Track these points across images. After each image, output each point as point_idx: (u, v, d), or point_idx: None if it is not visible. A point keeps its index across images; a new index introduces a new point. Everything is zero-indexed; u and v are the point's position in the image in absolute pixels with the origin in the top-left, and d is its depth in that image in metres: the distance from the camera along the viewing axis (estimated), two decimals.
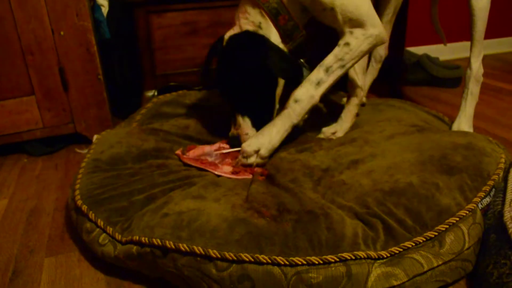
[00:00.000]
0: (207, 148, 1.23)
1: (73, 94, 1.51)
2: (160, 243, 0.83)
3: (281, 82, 1.21)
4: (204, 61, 1.27)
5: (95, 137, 1.30)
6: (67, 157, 1.52)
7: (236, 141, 1.19)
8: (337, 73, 1.13)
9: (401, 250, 0.80)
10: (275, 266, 0.77)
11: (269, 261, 0.77)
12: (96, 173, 1.09)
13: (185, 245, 0.81)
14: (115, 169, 1.11)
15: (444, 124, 1.44)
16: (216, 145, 1.25)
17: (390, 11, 1.51)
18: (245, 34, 1.15)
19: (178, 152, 1.20)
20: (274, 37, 1.15)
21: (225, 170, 1.13)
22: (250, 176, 1.09)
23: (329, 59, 1.13)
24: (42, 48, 1.42)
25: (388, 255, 0.80)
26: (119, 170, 1.10)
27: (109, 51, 1.75)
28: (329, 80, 1.13)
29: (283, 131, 1.14)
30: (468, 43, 1.37)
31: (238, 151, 1.17)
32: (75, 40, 1.44)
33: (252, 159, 1.11)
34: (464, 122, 1.39)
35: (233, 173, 1.11)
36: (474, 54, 1.36)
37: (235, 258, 0.78)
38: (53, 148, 1.56)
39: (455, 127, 1.40)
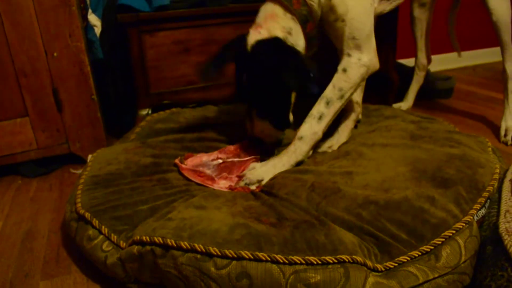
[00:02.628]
0: (204, 158, 1.25)
1: (67, 114, 1.51)
2: (161, 241, 0.83)
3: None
4: (212, 57, 1.22)
5: (89, 156, 1.30)
6: (62, 178, 1.51)
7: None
8: (336, 105, 1.16)
9: (396, 264, 0.80)
10: (274, 264, 0.78)
11: (268, 258, 0.78)
12: (97, 189, 1.09)
13: (186, 243, 0.82)
14: (115, 185, 1.11)
15: (429, 119, 1.45)
16: (214, 155, 1.26)
17: None
18: (275, 42, 1.12)
19: (177, 161, 1.21)
20: (302, 44, 1.16)
21: (221, 185, 1.15)
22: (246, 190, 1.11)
23: (329, 90, 1.16)
24: (35, 70, 1.42)
25: (383, 269, 0.80)
26: (119, 186, 1.10)
27: (103, 71, 1.76)
28: (330, 113, 1.17)
29: (287, 166, 1.17)
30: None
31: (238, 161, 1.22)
32: (69, 61, 1.45)
33: (253, 187, 1.13)
34: (510, 119, 1.62)
35: (229, 189, 1.13)
36: (506, 59, 1.58)
37: (235, 255, 0.79)
38: (48, 169, 1.56)
39: (503, 125, 1.63)
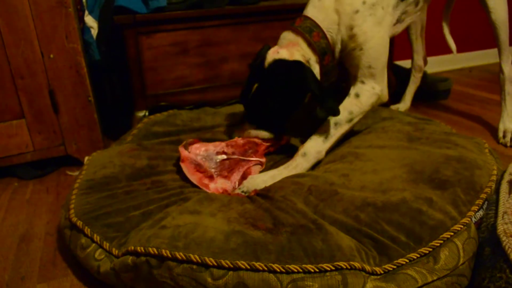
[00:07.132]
0: (211, 147, 1.22)
1: (64, 116, 1.50)
2: (156, 251, 0.82)
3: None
4: (246, 81, 1.29)
5: (86, 158, 1.29)
6: (58, 180, 1.50)
7: None
8: (344, 127, 1.20)
9: (395, 267, 0.80)
10: (271, 274, 0.77)
11: (265, 268, 0.77)
12: (91, 194, 1.09)
13: (181, 253, 0.81)
14: (109, 189, 1.10)
15: (426, 121, 1.45)
16: (221, 146, 1.24)
17: None
18: (297, 64, 1.16)
19: (181, 148, 1.18)
20: (316, 74, 1.21)
21: (218, 185, 1.13)
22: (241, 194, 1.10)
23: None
24: (32, 71, 1.41)
25: (382, 272, 0.80)
26: (113, 190, 1.10)
27: (99, 73, 1.75)
28: (336, 134, 1.19)
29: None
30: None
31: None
32: (65, 62, 1.44)
33: (248, 193, 1.12)
34: (508, 121, 1.61)
35: (224, 193, 1.12)
36: (503, 60, 1.58)
37: (231, 265, 0.78)
38: (44, 171, 1.55)
39: (501, 127, 1.62)
